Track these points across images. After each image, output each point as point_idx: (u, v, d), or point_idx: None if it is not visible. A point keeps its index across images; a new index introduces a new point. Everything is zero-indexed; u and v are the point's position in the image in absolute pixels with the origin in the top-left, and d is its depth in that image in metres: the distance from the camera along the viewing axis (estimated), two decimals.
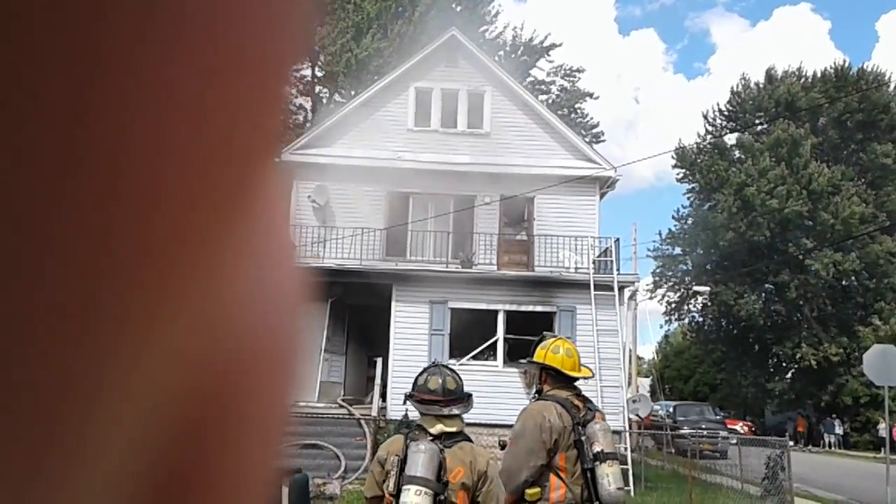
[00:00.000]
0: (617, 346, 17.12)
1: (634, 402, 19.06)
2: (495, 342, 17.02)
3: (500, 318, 17.29)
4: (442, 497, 3.59)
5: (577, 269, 17.90)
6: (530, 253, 18.49)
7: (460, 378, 4.00)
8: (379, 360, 16.58)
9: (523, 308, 17.28)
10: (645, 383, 35.44)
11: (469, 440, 3.87)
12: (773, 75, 44.10)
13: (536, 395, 4.48)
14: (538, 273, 17.75)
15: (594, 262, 17.90)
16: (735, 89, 45.50)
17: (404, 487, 3.58)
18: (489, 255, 18.38)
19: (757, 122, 41.16)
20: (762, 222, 37.90)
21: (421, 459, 3.62)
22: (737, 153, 42.04)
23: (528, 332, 17.41)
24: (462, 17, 30.20)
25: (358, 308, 17.68)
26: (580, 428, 4.16)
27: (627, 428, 16.98)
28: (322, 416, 15.35)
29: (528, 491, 4.13)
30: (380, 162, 18.51)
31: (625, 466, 16.08)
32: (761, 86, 44.09)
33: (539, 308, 17.35)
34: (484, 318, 17.05)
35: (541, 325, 17.48)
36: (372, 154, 18.54)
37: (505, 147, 19.15)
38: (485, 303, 17.18)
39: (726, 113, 45.68)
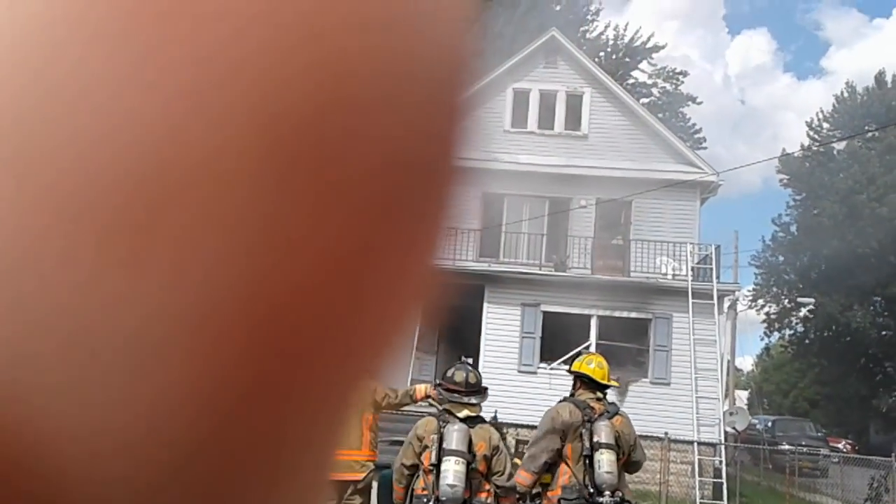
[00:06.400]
0: (714, 357, 16.64)
1: (731, 414, 18.48)
2: (587, 347, 16.75)
3: (594, 324, 17.02)
4: (472, 465, 4.70)
5: (674, 275, 17.47)
6: (626, 258, 18.13)
7: (480, 375, 5.19)
8: (469, 361, 16.52)
9: (617, 314, 16.97)
10: (742, 396, 34.48)
11: (485, 421, 5.05)
12: (883, 79, 42.40)
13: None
14: (634, 279, 17.39)
15: (693, 270, 17.44)
16: (841, 95, 43.99)
17: (445, 458, 4.65)
18: (583, 259, 18.10)
19: (867, 128, 39.59)
20: (871, 232, 36.43)
21: (456, 437, 4.71)
22: (843, 159, 40.53)
23: (622, 338, 17.15)
24: (562, 17, 29.95)
25: (450, 308, 17.64)
26: (588, 424, 4.98)
27: (723, 441, 16.49)
28: (412, 413, 15.37)
29: (544, 477, 5.05)
30: (476, 162, 18.33)
31: (718, 480, 15.65)
32: (871, 89, 42.46)
33: (633, 314, 17.01)
34: (577, 323, 16.79)
35: (635, 331, 17.15)
36: (468, 154, 18.41)
37: (603, 150, 18.83)
38: (578, 307, 16.93)
39: (831, 119, 44.14)
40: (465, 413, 4.87)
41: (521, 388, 15.74)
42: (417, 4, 0.17)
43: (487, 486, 4.81)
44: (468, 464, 4.68)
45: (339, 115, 0.15)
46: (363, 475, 6.07)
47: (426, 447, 4.79)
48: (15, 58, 0.14)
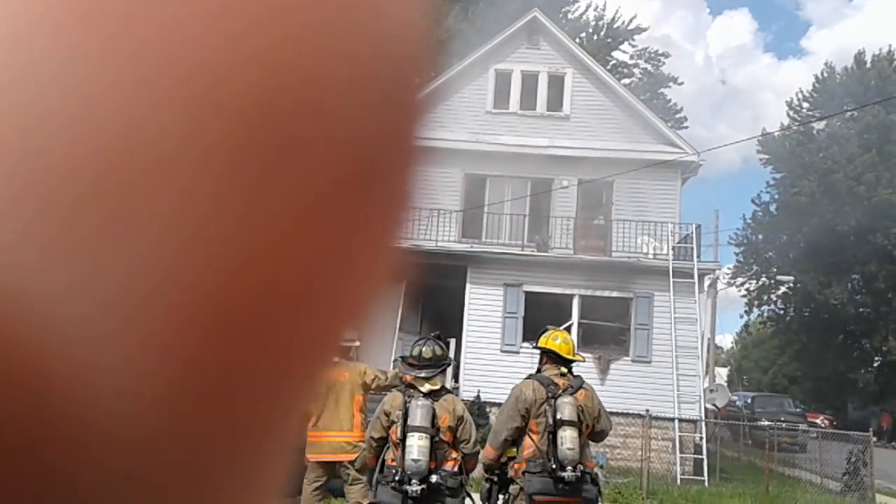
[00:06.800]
0: (695, 335, 16.82)
1: (712, 391, 18.75)
2: (569, 327, 16.89)
3: (575, 303, 17.15)
4: (436, 438, 4.95)
5: (655, 255, 17.61)
6: (608, 238, 18.26)
7: (442, 350, 5.36)
8: (452, 342, 16.61)
9: (599, 293, 17.09)
10: (722, 373, 34.85)
11: (450, 392, 5.31)
12: (862, 59, 42.64)
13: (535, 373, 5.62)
14: (615, 258, 17.52)
15: (674, 249, 17.60)
16: (820, 76, 44.25)
17: (409, 434, 4.91)
18: (566, 239, 18.21)
19: (846, 108, 39.83)
20: (849, 210, 36.74)
21: (420, 413, 4.95)
22: (823, 139, 40.79)
23: (603, 317, 17.29)
24: None
25: (432, 289, 17.74)
26: (553, 400, 5.19)
27: (703, 417, 16.70)
28: None
29: (509, 451, 5.30)
30: (458, 144, 18.46)
31: (699, 456, 15.86)
32: (850, 69, 42.70)
33: (615, 294, 17.15)
34: (559, 303, 16.92)
35: (617, 310, 17.30)
36: (450, 136, 18.49)
37: (584, 130, 18.91)
38: (560, 287, 17.04)
39: (811, 99, 44.40)
40: (427, 387, 5.10)
41: (503, 367, 15.86)
42: None
43: (454, 455, 5.09)
44: (432, 438, 4.95)
45: (301, 100, 0.16)
46: (355, 455, 6.18)
47: (393, 422, 5.05)
48: None
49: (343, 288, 0.18)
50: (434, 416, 5.02)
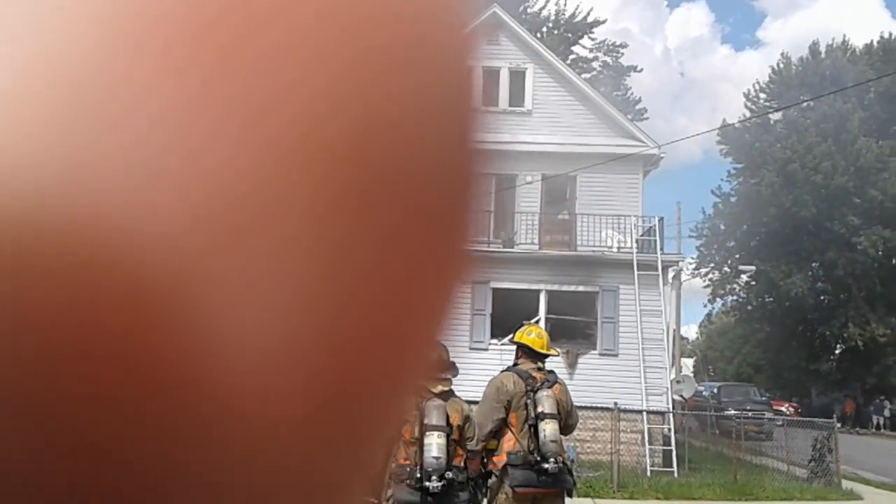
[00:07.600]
0: (660, 327, 16.92)
1: (678, 382, 18.87)
2: (537, 322, 16.91)
3: (542, 298, 17.18)
4: (450, 437, 5.12)
5: (619, 248, 17.69)
6: (572, 232, 18.31)
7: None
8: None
9: (565, 288, 17.14)
10: (688, 364, 35.14)
11: (454, 394, 5.43)
12: (816, 49, 43.22)
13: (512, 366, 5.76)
14: (580, 253, 17.58)
15: (637, 242, 17.68)
16: (776, 67, 44.77)
17: (427, 433, 5.07)
18: (531, 234, 18.24)
19: (802, 98, 40.29)
20: (807, 199, 37.18)
21: (436, 413, 5.10)
22: (780, 129, 41.24)
23: (570, 312, 17.34)
24: None
25: None
26: (532, 394, 5.36)
27: (671, 409, 16.81)
28: None
29: (490, 443, 5.42)
30: None
31: (668, 447, 15.96)
32: (805, 59, 43.24)
33: (581, 288, 17.20)
34: (526, 298, 16.94)
35: (583, 304, 17.36)
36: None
37: (547, 125, 18.94)
38: (526, 283, 17.06)
39: (768, 90, 44.89)
40: (440, 388, 5.24)
41: (473, 364, 15.82)
42: (432, 17, 0.18)
43: (461, 452, 5.26)
44: (448, 436, 5.14)
45: (387, 139, 0.17)
46: None
47: (406, 421, 5.04)
48: (79, 88, 0.14)
49: (432, 302, 0.19)
50: (447, 415, 5.19)
